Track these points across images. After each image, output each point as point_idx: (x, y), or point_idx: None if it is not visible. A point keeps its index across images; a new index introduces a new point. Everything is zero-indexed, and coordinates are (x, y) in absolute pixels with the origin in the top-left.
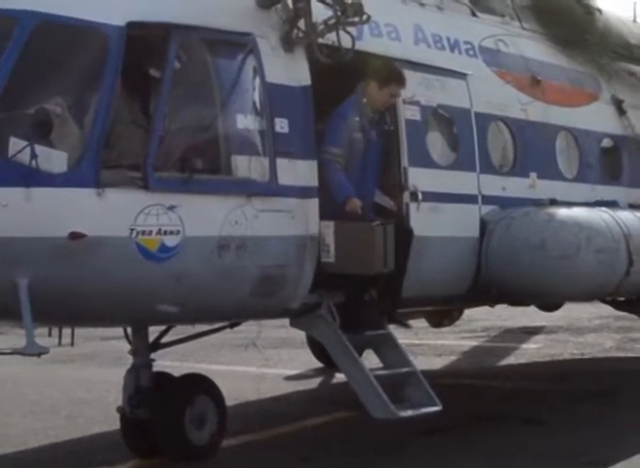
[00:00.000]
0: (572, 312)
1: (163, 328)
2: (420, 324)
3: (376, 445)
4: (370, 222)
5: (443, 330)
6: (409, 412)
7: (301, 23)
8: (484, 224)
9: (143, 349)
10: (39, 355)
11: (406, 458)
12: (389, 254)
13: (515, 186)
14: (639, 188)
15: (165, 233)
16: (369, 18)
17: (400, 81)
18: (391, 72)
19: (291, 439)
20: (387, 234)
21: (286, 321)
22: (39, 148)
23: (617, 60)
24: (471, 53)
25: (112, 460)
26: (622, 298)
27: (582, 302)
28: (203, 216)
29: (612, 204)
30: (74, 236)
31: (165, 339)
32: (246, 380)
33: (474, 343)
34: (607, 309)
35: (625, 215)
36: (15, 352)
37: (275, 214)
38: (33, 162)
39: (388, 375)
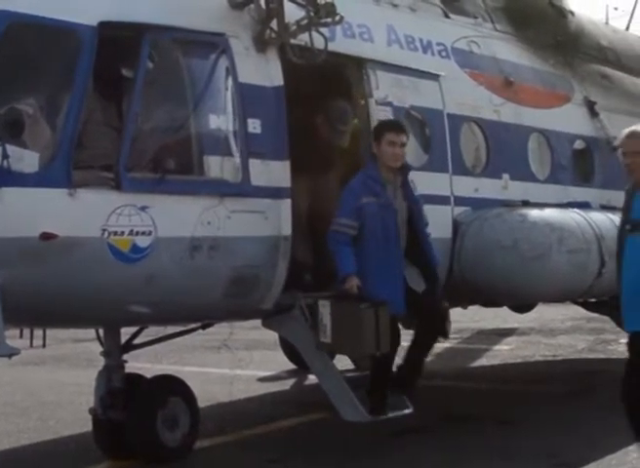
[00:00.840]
0: (544, 314)
1: (135, 329)
2: None
3: (348, 446)
4: (359, 304)
5: None
6: (380, 415)
7: (274, 24)
8: (456, 225)
9: (115, 350)
10: (10, 356)
11: (378, 460)
12: (383, 336)
13: (488, 187)
14: (611, 190)
15: (137, 234)
16: (341, 18)
17: (391, 127)
18: (379, 125)
19: (263, 440)
20: (380, 316)
21: (258, 322)
22: (10, 148)
23: (589, 62)
24: (444, 54)
25: (84, 462)
26: (594, 300)
27: (555, 303)
28: (175, 217)
29: (584, 205)
30: (46, 236)
31: (137, 341)
32: (218, 382)
33: (447, 345)
34: (579, 311)
35: (597, 217)
36: None
37: (248, 215)
38: (4, 162)
39: (360, 378)
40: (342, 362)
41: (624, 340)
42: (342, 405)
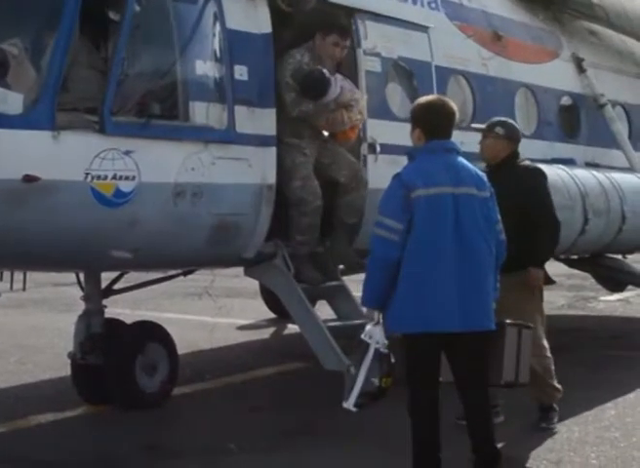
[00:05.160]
0: None
1: (116, 274)
2: None
3: (327, 395)
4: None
5: None
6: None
7: None
8: None
9: (96, 295)
10: None
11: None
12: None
13: (473, 141)
14: (596, 147)
15: (120, 178)
16: None
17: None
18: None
19: (242, 388)
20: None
21: (240, 270)
22: None
23: (578, 19)
24: (433, 5)
25: (62, 406)
26: (576, 256)
27: None
28: (159, 162)
29: (569, 162)
30: (28, 179)
31: (117, 286)
32: (198, 329)
33: None
34: (560, 267)
35: (582, 174)
36: None
37: (232, 162)
38: None
39: (341, 327)
40: (324, 312)
41: (604, 298)
42: (324, 353)
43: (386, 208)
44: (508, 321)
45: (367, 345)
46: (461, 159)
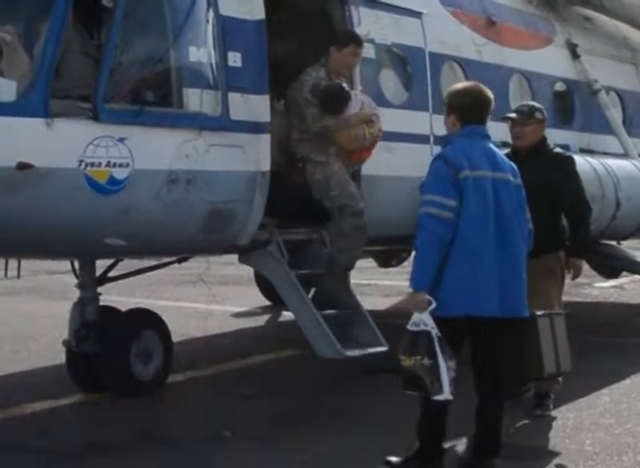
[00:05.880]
0: None
1: (110, 262)
2: (367, 264)
3: (321, 383)
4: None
5: (390, 270)
6: (355, 352)
7: None
8: None
9: (90, 283)
10: None
11: (352, 395)
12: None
13: None
14: (590, 133)
15: (114, 165)
16: None
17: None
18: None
19: (236, 376)
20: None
21: (234, 257)
22: None
23: (571, 4)
24: None
25: (57, 394)
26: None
27: None
28: (153, 149)
29: (563, 148)
30: (22, 166)
31: (112, 274)
32: (193, 317)
33: None
34: None
35: (576, 160)
36: None
37: (226, 149)
38: None
39: (335, 314)
40: None
41: (598, 284)
42: (318, 340)
43: (436, 185)
44: (538, 312)
45: (428, 333)
46: (494, 146)
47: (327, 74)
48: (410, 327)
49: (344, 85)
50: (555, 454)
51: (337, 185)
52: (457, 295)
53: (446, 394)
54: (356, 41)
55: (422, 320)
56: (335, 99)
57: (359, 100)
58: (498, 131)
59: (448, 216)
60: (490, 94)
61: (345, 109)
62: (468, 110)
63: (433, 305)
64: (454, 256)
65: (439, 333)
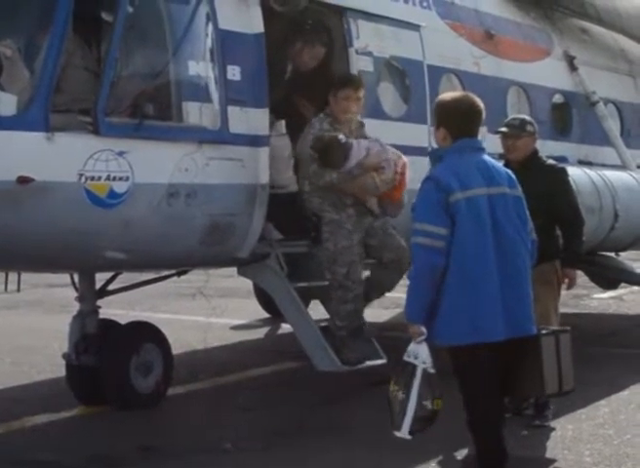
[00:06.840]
0: None
1: (110, 275)
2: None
3: (320, 395)
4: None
5: None
6: (353, 365)
7: None
8: None
9: (90, 296)
10: None
11: (351, 408)
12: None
13: None
14: (589, 145)
15: (114, 179)
16: None
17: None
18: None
19: (236, 388)
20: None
21: (233, 270)
22: None
23: (569, 17)
24: (425, 4)
25: (57, 407)
26: None
27: None
28: (153, 163)
29: (561, 159)
30: (22, 180)
31: (112, 287)
32: (192, 329)
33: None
34: None
35: (574, 172)
36: None
37: (226, 163)
38: None
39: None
40: (316, 312)
41: (597, 295)
42: (316, 354)
43: (425, 213)
44: (543, 331)
45: (413, 367)
46: (488, 157)
47: (331, 124)
48: (404, 355)
49: (341, 136)
50: (554, 465)
51: (345, 264)
52: (455, 324)
53: (403, 432)
54: (351, 84)
55: (415, 352)
56: (331, 153)
57: (362, 148)
58: (495, 143)
59: (440, 245)
60: (481, 103)
61: (346, 161)
62: (460, 123)
63: (424, 336)
64: (450, 285)
65: (432, 369)
